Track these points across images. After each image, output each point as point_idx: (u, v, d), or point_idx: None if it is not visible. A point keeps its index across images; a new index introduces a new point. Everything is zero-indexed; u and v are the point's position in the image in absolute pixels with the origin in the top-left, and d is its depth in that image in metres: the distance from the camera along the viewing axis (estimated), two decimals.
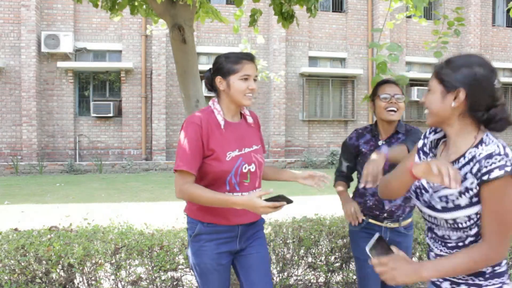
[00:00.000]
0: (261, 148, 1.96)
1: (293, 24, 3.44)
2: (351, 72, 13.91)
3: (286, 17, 3.36)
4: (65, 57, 12.37)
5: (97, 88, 13.12)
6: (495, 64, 14.65)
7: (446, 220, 1.29)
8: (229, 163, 1.79)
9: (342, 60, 14.57)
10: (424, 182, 1.37)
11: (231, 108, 1.88)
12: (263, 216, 1.95)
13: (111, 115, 12.51)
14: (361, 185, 1.89)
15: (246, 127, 1.92)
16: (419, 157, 1.44)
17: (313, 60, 14.35)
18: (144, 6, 3.35)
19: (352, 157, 2.30)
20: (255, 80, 1.84)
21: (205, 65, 12.90)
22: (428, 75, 14.72)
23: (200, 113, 1.85)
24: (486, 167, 1.20)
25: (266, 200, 1.62)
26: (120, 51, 12.89)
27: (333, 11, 14.59)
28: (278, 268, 2.85)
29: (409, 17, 3.69)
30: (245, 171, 1.82)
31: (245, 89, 1.81)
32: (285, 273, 2.86)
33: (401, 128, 2.22)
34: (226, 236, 1.84)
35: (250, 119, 1.95)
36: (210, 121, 1.82)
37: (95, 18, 12.61)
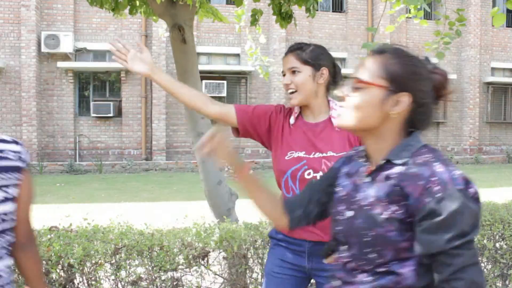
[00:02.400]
0: None
1: (292, 24, 3.45)
2: (351, 72, 13.88)
3: (285, 17, 3.36)
4: (65, 57, 12.37)
5: (97, 88, 13.12)
6: (495, 64, 14.64)
7: None
8: (287, 162, 1.60)
9: (342, 60, 14.56)
10: None
11: (304, 108, 1.68)
12: None
13: (111, 115, 12.51)
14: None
15: (327, 130, 1.61)
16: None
17: None
18: (144, 7, 3.35)
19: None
20: (294, 72, 1.60)
21: (205, 65, 12.91)
22: None
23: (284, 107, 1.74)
24: None
25: None
26: None
27: (333, 11, 14.60)
28: None
29: (410, 17, 3.69)
30: (308, 177, 1.56)
31: (284, 87, 1.65)
32: None
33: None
34: (293, 248, 1.64)
35: (335, 122, 1.59)
36: (286, 115, 1.69)
37: (95, 18, 12.61)
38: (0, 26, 12.06)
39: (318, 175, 1.53)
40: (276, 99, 13.49)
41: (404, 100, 1.04)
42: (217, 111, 1.68)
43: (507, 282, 3.21)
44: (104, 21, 12.57)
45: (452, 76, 14.70)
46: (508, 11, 16.27)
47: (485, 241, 3.11)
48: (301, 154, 1.58)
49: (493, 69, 15.83)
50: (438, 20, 3.58)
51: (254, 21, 3.53)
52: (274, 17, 3.42)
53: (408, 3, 2.61)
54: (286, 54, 1.65)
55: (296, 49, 1.62)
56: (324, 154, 1.56)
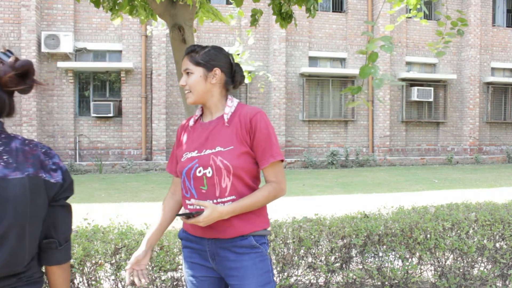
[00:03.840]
0: (235, 150, 1.59)
1: (292, 24, 3.45)
2: (351, 72, 13.91)
3: (285, 17, 3.36)
4: (65, 57, 12.37)
5: (97, 88, 13.12)
6: (495, 64, 14.62)
7: None
8: (182, 164, 1.66)
9: (342, 60, 14.57)
10: None
11: (204, 108, 1.76)
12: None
13: (111, 115, 12.51)
14: None
15: (218, 127, 1.66)
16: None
17: (313, 60, 14.36)
18: (144, 7, 3.35)
19: None
20: (188, 74, 1.67)
21: None
22: (428, 75, 14.78)
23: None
24: None
25: (179, 214, 1.57)
26: (120, 51, 12.89)
27: (333, 11, 14.60)
28: (278, 268, 2.85)
29: (410, 17, 3.70)
30: (199, 175, 1.59)
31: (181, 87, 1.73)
32: (285, 273, 2.86)
33: None
34: (196, 247, 1.69)
35: (226, 117, 1.65)
36: (186, 124, 1.79)
37: (95, 18, 12.62)
38: (0, 26, 12.06)
39: (208, 171, 1.58)
40: (276, 99, 13.50)
41: None
42: (175, 192, 1.82)
43: (507, 282, 3.21)
44: (104, 21, 12.57)
45: (452, 76, 14.62)
46: (508, 11, 16.27)
47: (485, 241, 3.12)
48: (194, 153, 1.64)
49: (493, 69, 15.83)
50: (439, 20, 3.58)
51: (254, 21, 3.52)
52: (274, 17, 3.42)
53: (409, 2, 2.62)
54: (183, 56, 1.72)
55: (190, 51, 1.69)
56: (213, 150, 1.60)
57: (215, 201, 1.57)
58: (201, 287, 1.69)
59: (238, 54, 5.35)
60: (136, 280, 1.70)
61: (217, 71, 1.67)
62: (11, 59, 1.17)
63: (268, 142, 1.61)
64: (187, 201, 1.64)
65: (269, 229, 1.72)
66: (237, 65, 1.75)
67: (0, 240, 1.11)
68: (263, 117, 1.63)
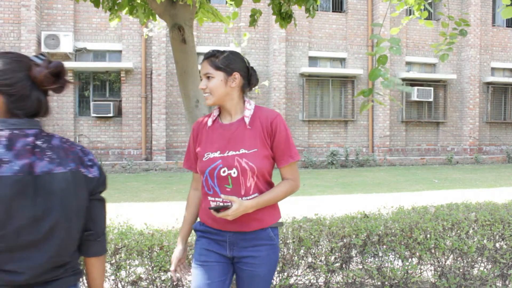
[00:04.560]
0: (259, 153, 1.72)
1: (292, 24, 3.45)
2: (351, 72, 13.91)
3: (285, 17, 3.36)
4: (65, 57, 12.37)
5: (97, 88, 13.12)
6: (495, 64, 14.60)
7: None
8: (205, 163, 1.76)
9: (342, 60, 14.57)
10: None
11: (222, 109, 1.84)
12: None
13: (111, 115, 12.51)
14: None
15: (240, 129, 1.76)
16: None
17: (313, 60, 14.36)
18: (144, 7, 3.34)
19: None
20: (209, 77, 1.75)
21: None
22: (428, 75, 14.78)
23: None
24: None
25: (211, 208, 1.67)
26: (120, 51, 12.89)
27: (333, 11, 14.60)
28: (278, 268, 2.85)
29: (414, 18, 3.72)
30: (223, 174, 1.71)
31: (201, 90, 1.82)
32: (285, 273, 2.86)
33: None
34: (216, 238, 1.81)
35: (247, 120, 1.76)
36: (203, 122, 1.86)
37: (95, 18, 12.62)
38: (0, 26, 12.06)
39: (232, 172, 1.70)
40: (276, 99, 13.50)
41: None
42: (197, 187, 1.92)
43: (507, 282, 3.21)
44: (104, 21, 12.57)
45: (452, 76, 14.61)
46: None
47: (485, 241, 3.12)
48: (216, 154, 1.75)
49: (493, 69, 15.84)
50: (439, 20, 3.59)
51: (253, 21, 3.52)
52: (274, 17, 3.42)
53: (414, 2, 2.62)
54: (202, 61, 1.79)
55: (210, 56, 1.77)
56: (237, 152, 1.72)
57: (240, 199, 1.70)
58: (210, 271, 1.79)
59: None
60: (182, 277, 1.88)
61: (237, 75, 1.76)
62: (44, 61, 1.30)
63: (287, 143, 1.78)
64: (209, 198, 1.76)
65: (281, 220, 1.88)
66: (252, 68, 1.86)
67: (50, 231, 1.21)
68: (282, 120, 1.78)
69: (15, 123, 1.23)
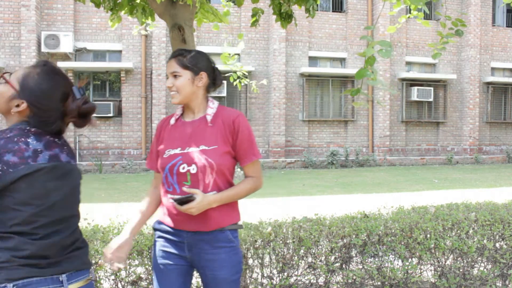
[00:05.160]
0: (219, 150, 1.73)
1: (292, 24, 3.44)
2: (351, 72, 13.91)
3: (285, 17, 3.36)
4: (65, 57, 12.37)
5: (97, 88, 13.13)
6: (495, 64, 14.58)
7: None
8: (165, 160, 1.76)
9: (342, 60, 14.57)
10: None
11: (186, 108, 1.85)
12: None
13: (111, 115, 12.51)
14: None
15: (201, 126, 1.77)
16: None
17: (313, 60, 14.35)
18: (144, 7, 3.34)
19: None
20: (176, 76, 1.77)
21: None
22: (428, 75, 14.78)
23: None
24: None
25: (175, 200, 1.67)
26: (120, 51, 12.89)
27: (333, 11, 14.60)
28: (278, 268, 2.85)
29: (411, 17, 3.71)
30: (182, 171, 1.71)
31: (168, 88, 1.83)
32: (285, 273, 2.86)
33: None
34: (173, 239, 1.78)
35: (209, 118, 1.77)
36: (166, 121, 1.88)
37: (95, 18, 12.62)
38: (0, 26, 12.06)
39: (192, 168, 1.70)
40: (276, 99, 13.50)
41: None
42: (157, 186, 1.90)
43: (507, 282, 3.21)
44: (104, 21, 12.56)
45: (452, 76, 14.61)
46: (508, 11, 16.27)
47: (485, 241, 3.12)
48: (177, 151, 1.75)
49: (493, 69, 15.83)
50: (439, 19, 3.59)
51: (255, 21, 3.52)
52: (274, 17, 3.41)
53: (410, 2, 2.62)
54: (169, 59, 1.82)
55: (178, 55, 1.79)
56: (197, 148, 1.73)
57: (202, 192, 1.70)
58: (169, 275, 1.78)
59: (229, 54, 5.31)
60: (115, 266, 1.78)
61: (203, 75, 1.79)
62: (82, 98, 1.45)
63: (249, 142, 1.79)
64: (169, 195, 1.76)
65: (240, 223, 1.85)
66: (218, 69, 1.88)
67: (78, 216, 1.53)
68: (244, 119, 1.80)
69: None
